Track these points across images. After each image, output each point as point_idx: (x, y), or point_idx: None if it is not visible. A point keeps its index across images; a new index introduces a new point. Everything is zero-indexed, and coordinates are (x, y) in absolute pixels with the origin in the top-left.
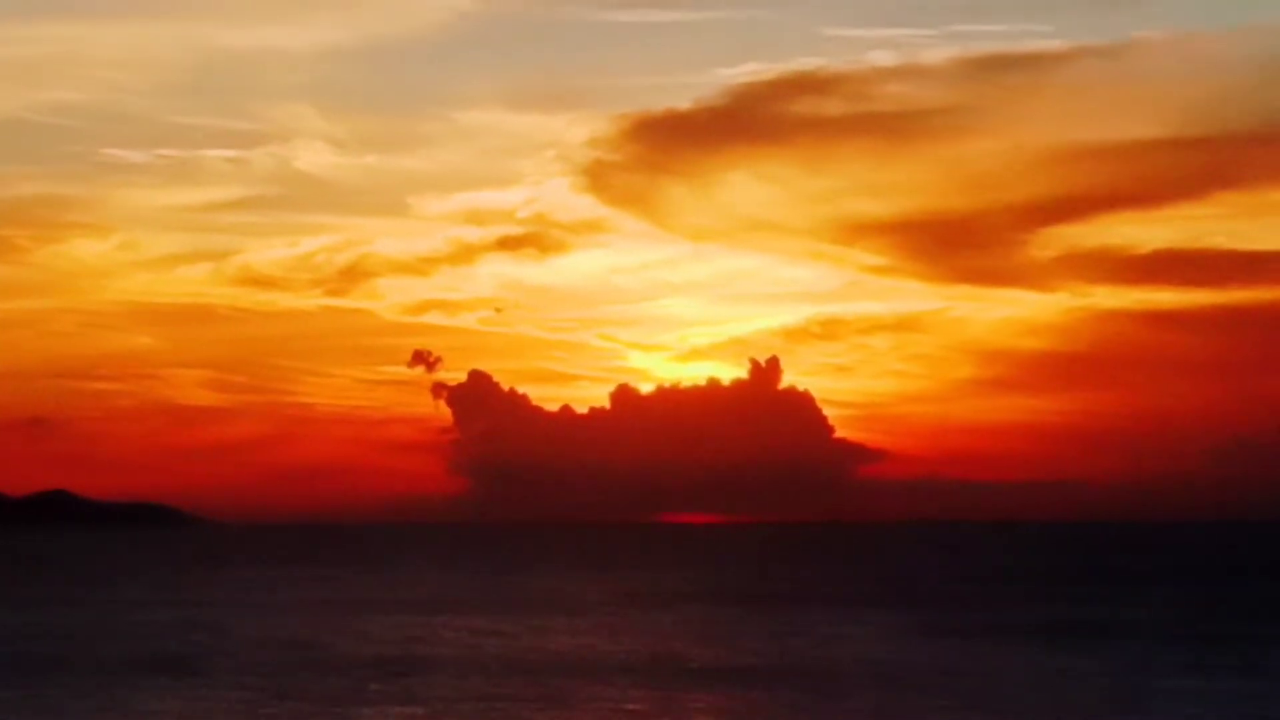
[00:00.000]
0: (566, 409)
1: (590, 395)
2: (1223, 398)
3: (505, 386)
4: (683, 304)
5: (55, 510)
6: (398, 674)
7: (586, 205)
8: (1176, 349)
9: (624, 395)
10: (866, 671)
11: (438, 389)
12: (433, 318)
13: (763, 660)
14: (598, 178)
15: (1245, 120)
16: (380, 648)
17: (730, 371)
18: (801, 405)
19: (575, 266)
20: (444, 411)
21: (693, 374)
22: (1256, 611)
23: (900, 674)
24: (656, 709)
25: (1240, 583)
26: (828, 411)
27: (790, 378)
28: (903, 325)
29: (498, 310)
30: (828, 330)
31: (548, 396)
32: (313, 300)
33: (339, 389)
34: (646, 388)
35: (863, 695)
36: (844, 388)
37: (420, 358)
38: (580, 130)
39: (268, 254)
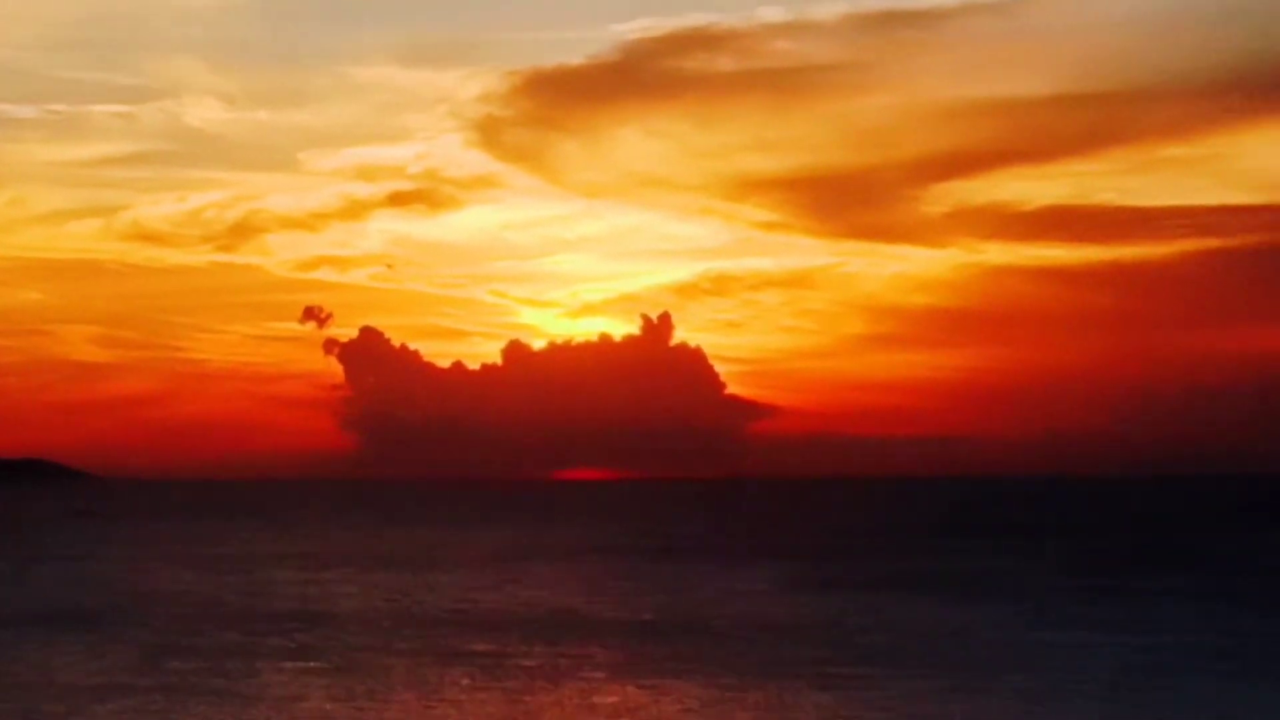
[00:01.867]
0: (458, 365)
1: (482, 352)
2: (1113, 353)
3: (396, 343)
4: (574, 260)
5: None
6: (293, 629)
7: (478, 161)
8: (1067, 304)
9: (515, 351)
10: (757, 625)
11: (329, 345)
12: (324, 274)
13: (656, 614)
14: (489, 133)
15: (1136, 76)
16: (274, 602)
17: (622, 328)
18: (693, 361)
19: (467, 223)
20: (335, 368)
21: (584, 330)
22: (1145, 565)
23: (790, 627)
24: (550, 663)
25: (1130, 536)
26: (719, 368)
27: (682, 334)
28: (794, 281)
29: (389, 266)
30: (719, 286)
31: (439, 353)
32: (203, 256)
33: (229, 345)
34: (538, 344)
35: (754, 648)
36: (735, 344)
37: (311, 314)
38: (472, 86)
39: (157, 210)
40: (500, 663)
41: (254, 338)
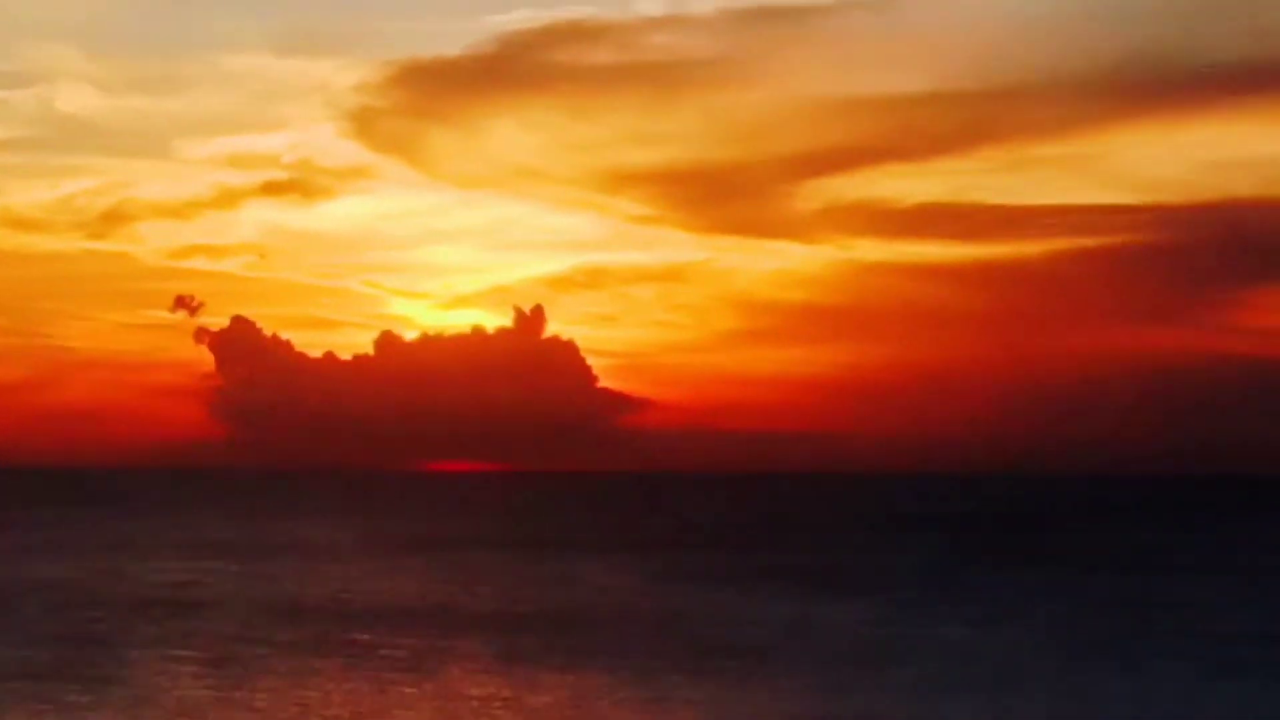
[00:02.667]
0: (330, 355)
1: (354, 342)
2: (986, 350)
3: (268, 332)
4: (448, 251)
5: None
6: (164, 617)
7: (352, 151)
8: (940, 302)
9: (388, 342)
10: (629, 618)
11: (200, 334)
12: (196, 263)
13: (529, 607)
14: (364, 124)
15: (1010, 75)
16: (145, 590)
17: (495, 320)
18: (565, 354)
19: (340, 213)
20: (206, 357)
21: (457, 322)
22: (1013, 560)
23: (662, 620)
24: (422, 654)
25: (999, 532)
26: (592, 361)
27: (555, 326)
28: (668, 275)
29: (261, 256)
30: (592, 279)
31: (311, 343)
32: (73, 243)
33: (100, 333)
34: (411, 335)
35: (626, 641)
36: (609, 337)
37: (182, 303)
38: (347, 76)
39: (28, 196)
40: (372, 653)
41: (125, 326)
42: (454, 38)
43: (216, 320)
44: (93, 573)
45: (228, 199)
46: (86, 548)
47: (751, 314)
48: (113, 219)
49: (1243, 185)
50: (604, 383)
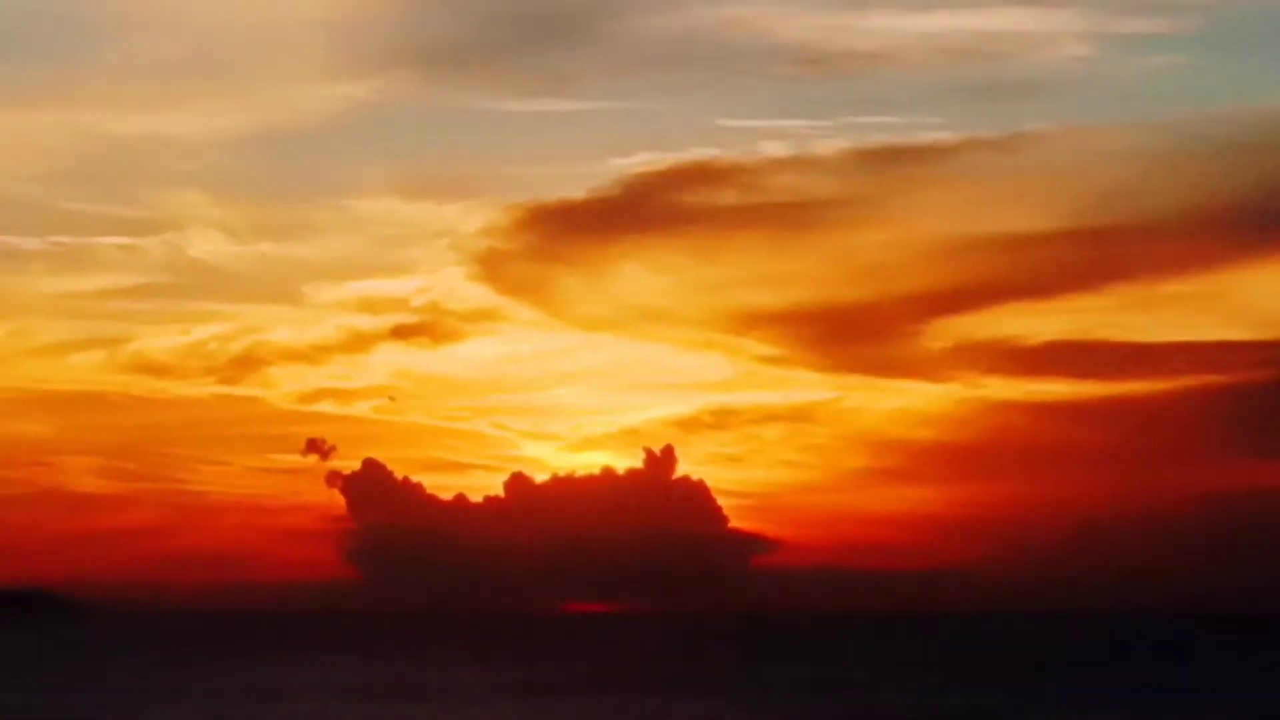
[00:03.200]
0: (460, 497)
1: (484, 484)
2: (1114, 488)
3: (399, 475)
4: (575, 393)
5: None
6: None
7: (480, 294)
8: (1068, 440)
9: (518, 484)
10: None
11: (331, 477)
12: (326, 406)
13: None
14: (491, 266)
15: (1135, 213)
16: None
17: (624, 461)
18: (695, 495)
19: (468, 355)
20: (338, 500)
21: (586, 463)
22: (1146, 702)
23: None
24: None
25: (1133, 673)
26: (721, 501)
27: (684, 467)
28: (795, 415)
29: (391, 399)
30: (720, 420)
31: (442, 485)
32: (205, 388)
33: (232, 477)
34: (540, 477)
35: None
36: (737, 477)
37: (314, 446)
38: (474, 219)
39: (160, 341)
40: None
41: (256, 470)
42: (578, 181)
43: (348, 463)
44: (230, 716)
45: (357, 343)
46: (222, 692)
47: (879, 453)
48: (244, 364)
49: None
50: (734, 523)
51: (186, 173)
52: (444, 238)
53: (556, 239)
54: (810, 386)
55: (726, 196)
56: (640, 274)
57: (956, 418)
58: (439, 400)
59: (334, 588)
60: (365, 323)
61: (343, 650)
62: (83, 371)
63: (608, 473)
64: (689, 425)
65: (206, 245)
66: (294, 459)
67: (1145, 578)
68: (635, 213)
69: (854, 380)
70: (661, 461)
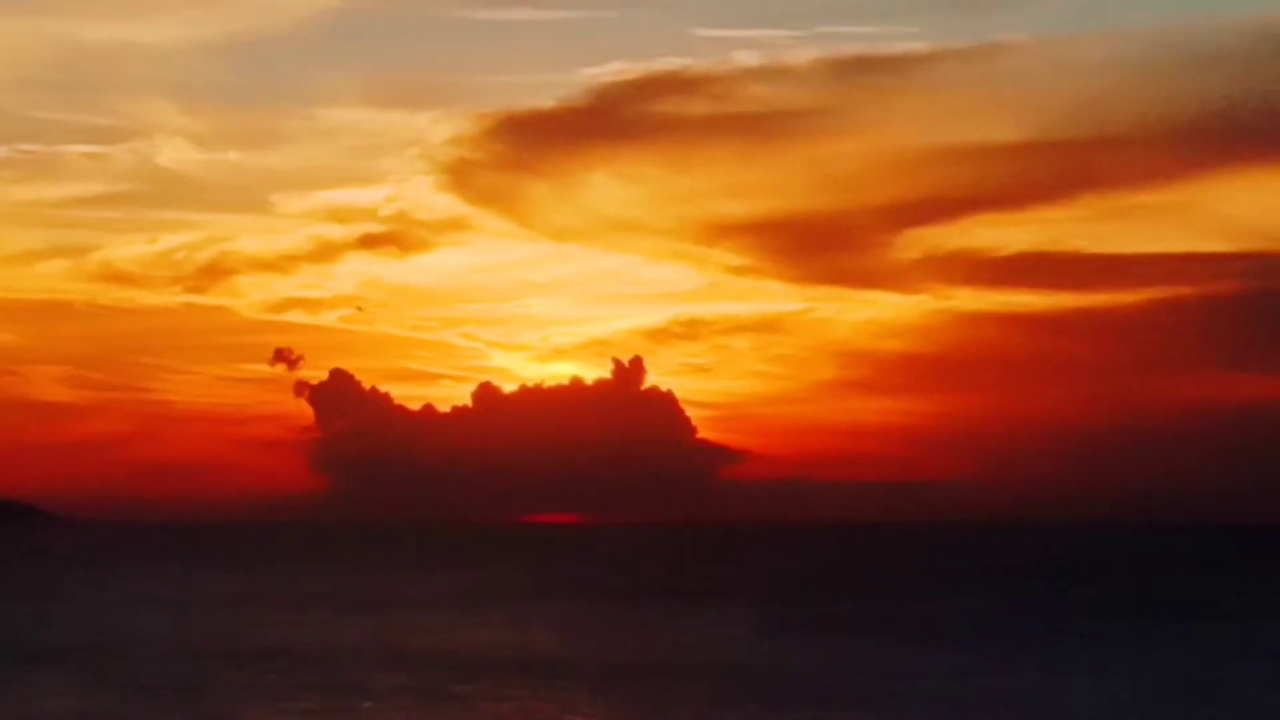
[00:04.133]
0: (429, 408)
1: (452, 394)
2: (1083, 399)
3: (367, 385)
4: (545, 303)
5: None
6: (267, 668)
7: (449, 204)
8: (1037, 351)
9: (486, 394)
10: (727, 668)
11: (299, 387)
12: (294, 316)
13: (626, 657)
14: (460, 176)
15: (1108, 123)
16: (247, 642)
17: (593, 372)
18: (664, 406)
19: (437, 265)
20: (305, 410)
21: (555, 373)
22: (1118, 611)
23: (761, 670)
24: (525, 704)
25: (1093, 583)
26: (690, 412)
27: (653, 378)
28: (765, 326)
29: (359, 309)
30: (689, 331)
31: (410, 395)
32: (173, 297)
33: (200, 386)
34: (509, 387)
35: (724, 691)
36: (706, 388)
37: (282, 356)
38: (443, 128)
39: (127, 250)
40: (473, 705)
41: (224, 379)
42: (548, 90)
43: (316, 373)
44: (193, 624)
45: (325, 252)
46: (189, 601)
47: (848, 364)
48: (211, 273)
49: None
50: (702, 434)
51: (155, 81)
52: (413, 147)
53: (526, 149)
54: (779, 297)
55: (698, 106)
56: (610, 184)
57: (926, 329)
58: (407, 310)
59: (301, 498)
60: (334, 232)
61: (309, 559)
62: (50, 280)
63: (576, 383)
64: (658, 336)
65: (175, 154)
66: (262, 369)
67: (1114, 489)
68: (606, 122)
69: (823, 291)
70: (630, 372)
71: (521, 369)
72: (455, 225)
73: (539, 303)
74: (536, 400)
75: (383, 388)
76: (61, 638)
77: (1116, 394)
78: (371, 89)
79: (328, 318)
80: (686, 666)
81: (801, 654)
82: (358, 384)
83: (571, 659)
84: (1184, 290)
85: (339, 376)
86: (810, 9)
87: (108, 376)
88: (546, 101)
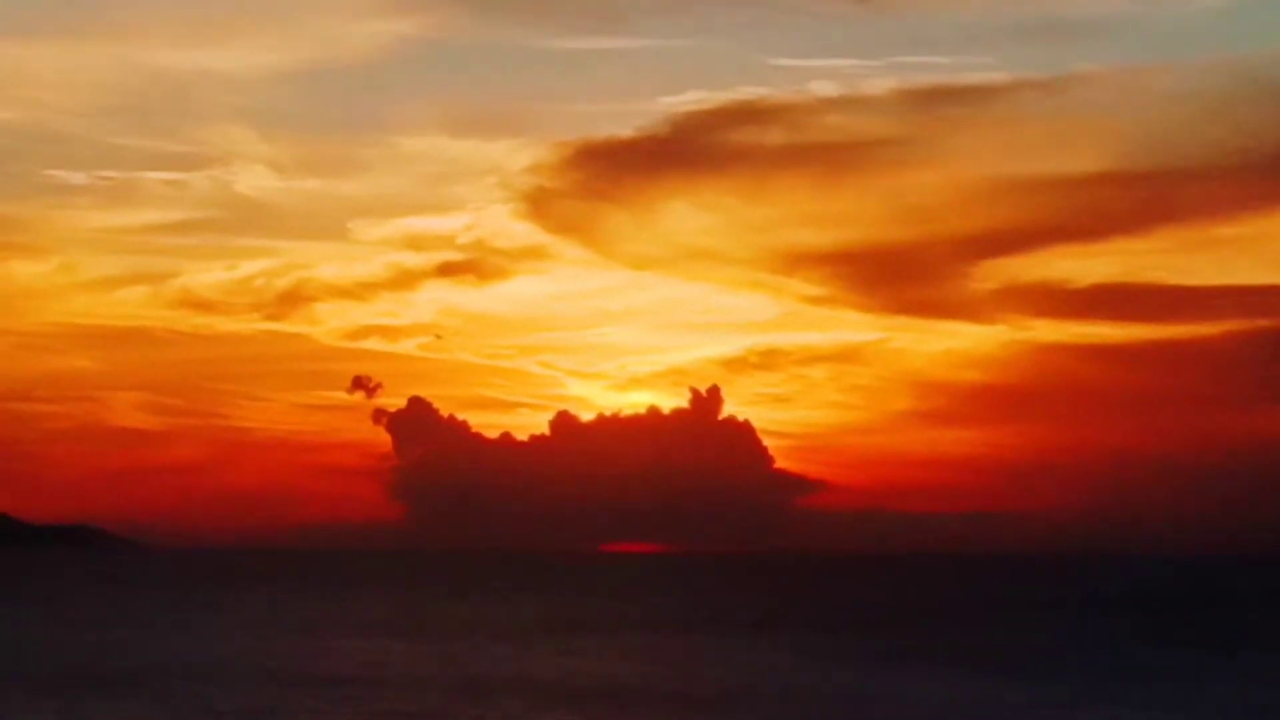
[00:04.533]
0: (506, 436)
1: (530, 422)
2: (1161, 431)
3: (445, 413)
4: (622, 332)
5: None
6: (347, 695)
7: (527, 232)
8: (1115, 383)
9: (564, 423)
10: (805, 697)
11: (377, 415)
12: (372, 343)
13: (697, 685)
14: (538, 204)
15: (1184, 155)
16: (326, 668)
17: (670, 400)
18: (741, 435)
19: (515, 293)
20: (384, 437)
21: (633, 402)
22: (1190, 643)
23: (822, 699)
24: None
25: (1178, 614)
26: (767, 442)
27: (730, 407)
28: (841, 356)
29: (437, 336)
30: (767, 360)
31: (488, 423)
32: (251, 324)
33: (277, 413)
34: (586, 416)
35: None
36: (783, 418)
37: (360, 383)
38: (521, 157)
39: (206, 277)
40: None
41: (302, 406)
42: (626, 119)
43: (394, 401)
44: (271, 650)
45: (404, 280)
46: (267, 627)
47: (925, 395)
48: (290, 300)
49: None
50: (780, 464)
51: (234, 108)
52: (491, 175)
53: (604, 177)
54: (856, 327)
55: (774, 136)
56: (688, 213)
57: (1003, 360)
58: (485, 338)
59: (379, 525)
60: (412, 260)
61: (386, 587)
62: (129, 307)
63: (654, 412)
64: (735, 365)
65: (253, 181)
66: (340, 396)
67: (1192, 520)
68: (683, 151)
69: (900, 321)
70: (708, 401)
71: (599, 398)
72: (533, 254)
73: (616, 331)
74: (614, 429)
75: (460, 416)
76: (139, 663)
77: (1193, 425)
78: (449, 117)
79: (406, 345)
80: (763, 696)
81: (875, 684)
82: (436, 412)
83: (649, 688)
84: (1261, 322)
85: (417, 404)
86: (887, 39)
87: (186, 403)
88: (624, 130)
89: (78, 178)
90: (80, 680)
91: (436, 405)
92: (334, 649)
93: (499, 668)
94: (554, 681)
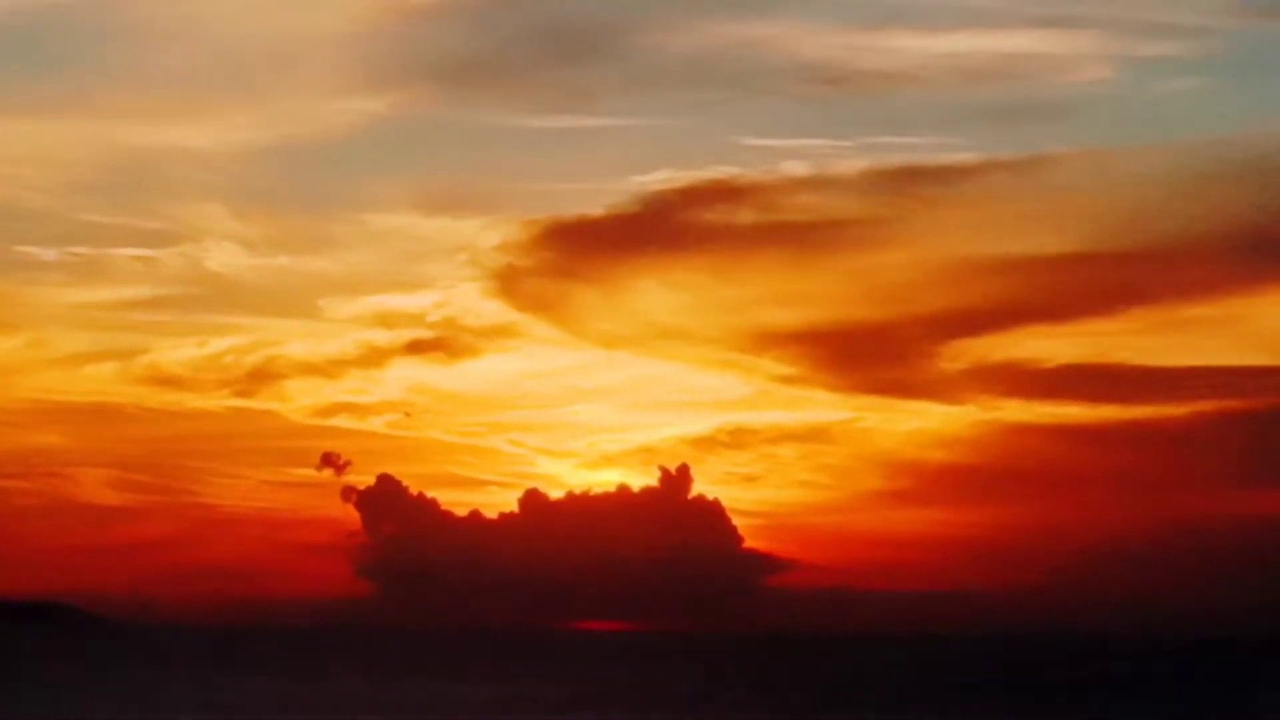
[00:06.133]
0: (475, 513)
1: (499, 501)
2: (1129, 512)
3: (414, 490)
4: (592, 410)
5: None
6: None
7: (497, 310)
8: (1084, 463)
9: (533, 501)
10: None
11: (346, 492)
12: (341, 421)
13: None
14: (508, 283)
15: (1155, 236)
16: None
17: (639, 479)
18: (710, 514)
19: (485, 371)
20: (352, 515)
21: (602, 481)
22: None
23: None
24: None
25: (1147, 697)
26: (736, 520)
27: (700, 486)
28: (811, 435)
29: (407, 414)
30: (736, 439)
31: (457, 501)
32: (220, 401)
33: (246, 490)
34: (556, 494)
35: None
36: (752, 497)
37: (329, 460)
38: (491, 235)
39: (176, 354)
40: None
41: (271, 483)
42: (597, 197)
43: (363, 478)
44: None
45: (373, 358)
46: (234, 707)
47: (894, 474)
48: (259, 377)
49: None
50: (749, 542)
51: (204, 184)
52: (461, 253)
53: (574, 256)
54: (826, 406)
55: (745, 215)
56: (658, 292)
57: (972, 440)
58: (455, 416)
59: (348, 603)
60: (381, 338)
61: (356, 666)
62: (98, 383)
63: (623, 490)
64: (705, 444)
65: (223, 258)
66: (309, 473)
67: (1161, 602)
68: (654, 230)
69: (870, 401)
70: (677, 480)
71: (569, 476)
72: (503, 332)
73: (586, 410)
74: (583, 507)
75: (430, 493)
76: None
77: (1163, 507)
78: (420, 195)
79: (375, 423)
80: None
81: None
82: (405, 489)
83: None
84: (1232, 404)
85: (386, 482)
86: (858, 119)
87: (154, 479)
88: (594, 209)
89: (48, 254)
90: None
91: (405, 483)
92: None
93: None
94: None
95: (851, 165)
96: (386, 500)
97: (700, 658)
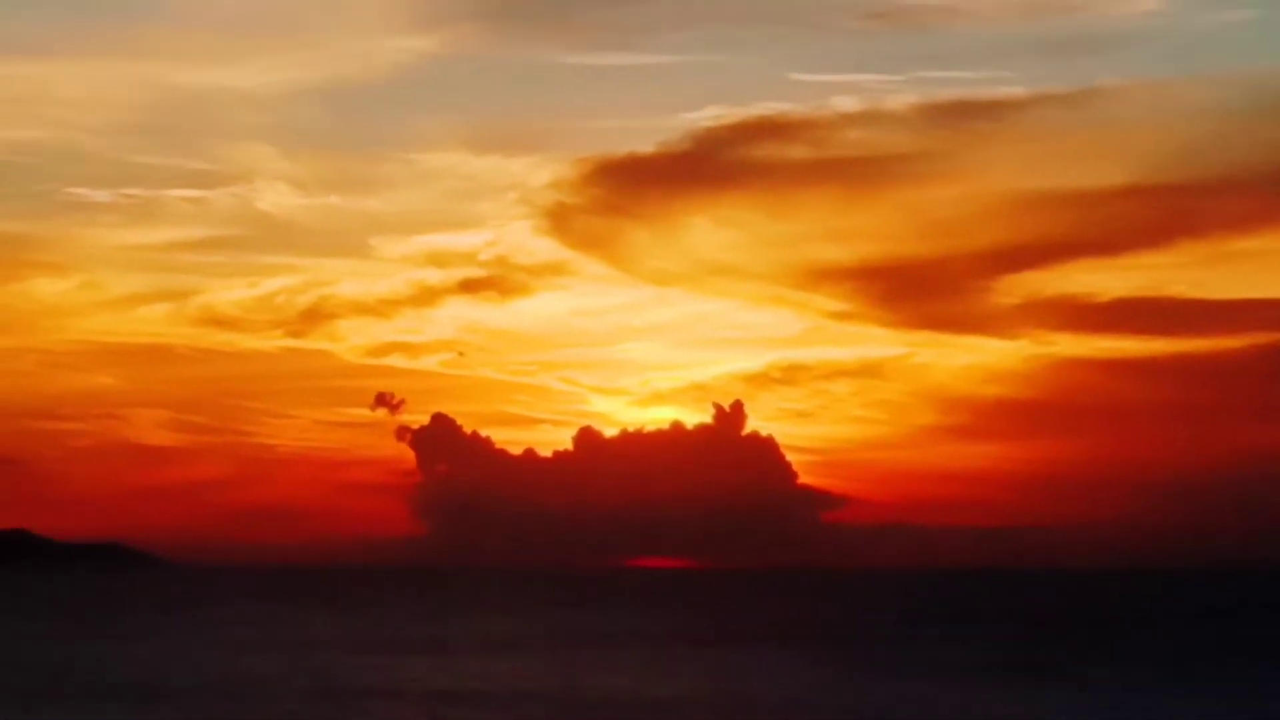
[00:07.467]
0: (529, 452)
1: (553, 438)
2: (1183, 445)
3: (468, 429)
4: (644, 348)
5: (15, 550)
6: (363, 709)
7: (548, 248)
8: (1137, 397)
9: (586, 438)
10: (810, 709)
11: (400, 432)
12: (394, 360)
13: (711, 697)
14: (559, 220)
15: (1208, 168)
16: (342, 683)
17: (693, 416)
18: (765, 450)
19: (537, 309)
20: (407, 454)
21: (655, 418)
22: (1216, 657)
23: (833, 712)
24: None
25: (1198, 628)
26: (790, 457)
27: (753, 423)
28: (864, 371)
29: (460, 353)
30: (789, 375)
31: (510, 439)
32: (273, 341)
33: (299, 430)
34: (609, 431)
35: None
36: (806, 433)
37: (382, 400)
38: (542, 173)
39: (228, 294)
40: None
41: (325, 423)
42: (647, 135)
43: (416, 418)
44: (302, 668)
45: (425, 297)
46: (291, 644)
47: (948, 409)
48: (312, 317)
49: None
50: (803, 479)
51: (255, 126)
52: (512, 191)
53: (625, 193)
54: (879, 342)
55: (796, 151)
56: (709, 229)
57: (1025, 374)
58: (507, 354)
59: (403, 542)
60: (433, 277)
61: (409, 604)
62: (152, 324)
63: (677, 428)
64: (758, 381)
65: (275, 198)
66: (363, 413)
67: (1214, 535)
68: (705, 167)
69: (923, 336)
70: (731, 417)
71: (622, 413)
72: (554, 270)
73: (638, 347)
74: (637, 444)
75: (484, 432)
76: (165, 678)
77: (1216, 440)
78: (470, 134)
79: (428, 362)
80: (768, 708)
81: (897, 694)
82: (459, 428)
83: (662, 700)
84: None
85: (440, 421)
86: (909, 54)
87: (209, 420)
88: (645, 146)
89: (101, 196)
90: (112, 696)
91: (459, 422)
92: (359, 664)
93: (510, 682)
94: (564, 694)
95: (902, 100)
96: (441, 439)
97: (757, 594)
